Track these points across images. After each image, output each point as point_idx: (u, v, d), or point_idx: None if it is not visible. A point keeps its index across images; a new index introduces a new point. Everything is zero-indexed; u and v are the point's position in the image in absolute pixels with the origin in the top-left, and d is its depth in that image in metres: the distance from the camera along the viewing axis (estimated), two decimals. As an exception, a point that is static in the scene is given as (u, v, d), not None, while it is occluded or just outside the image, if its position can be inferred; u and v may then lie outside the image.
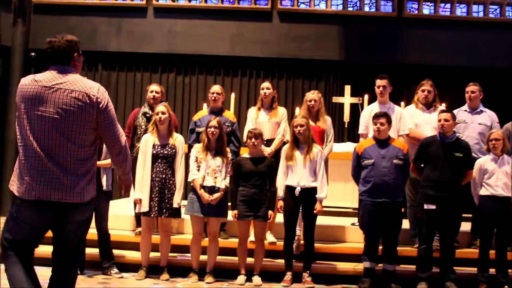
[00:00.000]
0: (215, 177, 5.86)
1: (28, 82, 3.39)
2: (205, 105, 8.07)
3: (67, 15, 10.93)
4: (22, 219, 3.37)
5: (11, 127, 10.76)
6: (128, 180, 3.68)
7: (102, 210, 5.98)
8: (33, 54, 10.70)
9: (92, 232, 5.96)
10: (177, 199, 5.91)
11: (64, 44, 3.54)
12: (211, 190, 5.83)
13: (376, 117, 5.92)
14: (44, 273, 5.88)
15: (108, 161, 5.99)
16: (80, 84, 3.43)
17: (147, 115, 6.50)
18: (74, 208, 3.39)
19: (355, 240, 6.74)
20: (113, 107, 3.57)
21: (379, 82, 6.58)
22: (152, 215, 5.86)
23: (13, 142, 10.76)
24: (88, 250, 6.09)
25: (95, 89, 3.46)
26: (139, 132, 6.46)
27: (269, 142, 6.53)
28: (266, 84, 6.72)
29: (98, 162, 5.88)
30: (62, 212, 3.37)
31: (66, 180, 3.32)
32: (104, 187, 5.96)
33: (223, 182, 5.87)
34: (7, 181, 11.01)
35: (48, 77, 3.41)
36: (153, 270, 6.01)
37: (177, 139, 6.03)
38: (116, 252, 6.23)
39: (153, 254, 6.11)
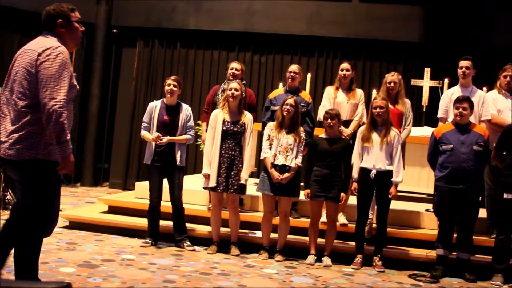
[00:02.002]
0: (286, 156, 5.86)
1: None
2: (281, 85, 8.06)
3: (148, -6, 11.17)
4: None
5: (94, 100, 11.20)
6: (63, 151, 3.40)
7: (177, 184, 6.12)
8: (115, 30, 11.02)
9: (167, 205, 6.17)
10: (244, 176, 5.95)
11: (49, 12, 3.62)
12: (282, 168, 5.84)
13: (459, 101, 5.71)
14: (121, 242, 6.08)
15: (183, 137, 6.13)
16: (38, 44, 3.50)
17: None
18: (9, 164, 3.50)
19: (429, 226, 6.59)
20: (57, 67, 3.40)
21: (462, 63, 6.36)
22: (219, 191, 5.94)
23: (96, 115, 11.20)
24: (162, 223, 6.29)
25: (44, 48, 3.45)
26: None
27: (346, 123, 6.45)
28: (345, 65, 6.62)
29: (172, 137, 6.05)
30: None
31: (4, 136, 3.48)
32: (178, 162, 6.09)
33: (294, 161, 5.86)
34: (89, 154, 11.53)
35: (29, 43, 3.61)
36: (224, 245, 6.12)
37: (247, 117, 6.06)
38: (189, 226, 6.38)
39: (225, 230, 6.20)
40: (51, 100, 3.32)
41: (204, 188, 6.09)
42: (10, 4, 10.16)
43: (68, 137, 3.40)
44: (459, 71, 6.38)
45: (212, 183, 5.91)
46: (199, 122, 7.41)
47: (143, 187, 7.27)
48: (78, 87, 3.62)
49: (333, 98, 6.54)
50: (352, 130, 6.38)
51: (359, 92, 6.66)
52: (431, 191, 7.07)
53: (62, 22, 3.58)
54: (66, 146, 3.38)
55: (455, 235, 5.77)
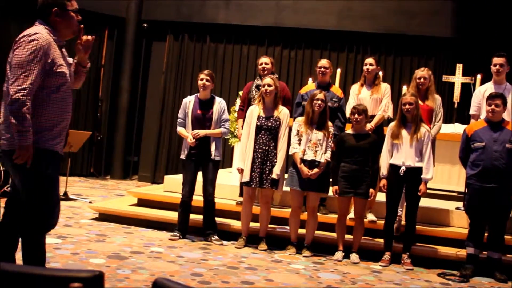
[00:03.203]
0: (316, 151, 5.84)
1: None
2: (310, 80, 8.02)
3: (178, -12, 11.23)
4: None
5: (124, 94, 11.32)
6: (20, 141, 3.24)
7: (210, 178, 6.16)
8: (145, 25, 11.11)
9: (198, 199, 6.21)
10: (276, 171, 5.95)
11: (39, 2, 3.51)
12: (311, 164, 5.83)
13: (491, 97, 5.62)
14: (150, 235, 6.13)
15: (218, 130, 6.16)
16: (24, 32, 3.40)
17: (260, 87, 6.57)
18: (3, 154, 3.45)
19: (458, 225, 6.51)
20: (27, 54, 3.27)
21: (496, 60, 6.25)
22: (253, 186, 5.96)
23: (126, 109, 11.32)
24: (192, 216, 6.34)
25: (22, 35, 3.36)
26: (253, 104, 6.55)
27: (370, 118, 6.40)
28: (369, 60, 6.57)
29: (207, 131, 6.08)
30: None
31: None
32: (213, 156, 6.12)
33: (323, 156, 5.83)
34: (119, 147, 11.64)
35: None
36: (253, 240, 6.14)
37: (282, 112, 6.06)
38: (218, 220, 6.41)
39: (253, 225, 6.22)
40: (15, 87, 3.23)
41: (241, 183, 6.10)
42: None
43: (30, 128, 3.25)
44: (493, 68, 6.27)
45: (246, 178, 5.92)
46: (230, 117, 7.43)
47: (172, 181, 7.32)
48: (68, 74, 3.48)
49: (356, 95, 6.51)
50: (375, 124, 6.32)
51: (383, 86, 6.59)
52: (462, 189, 6.97)
53: (57, 10, 3.46)
54: (24, 136, 3.24)
55: (486, 234, 5.69)
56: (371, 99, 6.48)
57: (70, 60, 3.65)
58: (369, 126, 6.29)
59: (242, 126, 6.37)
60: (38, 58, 3.29)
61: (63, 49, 3.57)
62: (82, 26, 3.71)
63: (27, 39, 3.31)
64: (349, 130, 6.00)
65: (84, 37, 3.63)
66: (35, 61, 3.28)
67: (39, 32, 3.36)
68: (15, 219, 3.51)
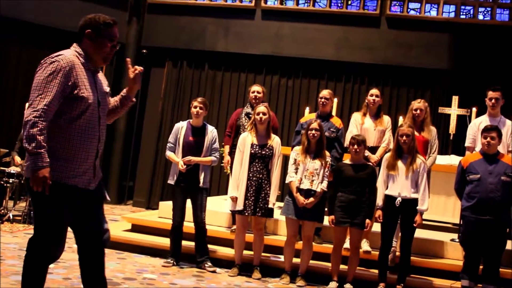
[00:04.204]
0: (312, 180, 5.84)
1: None
2: (307, 109, 8.07)
3: (178, 15, 11.39)
4: None
5: (121, 119, 11.33)
6: (31, 164, 3.09)
7: (200, 203, 6.15)
8: (144, 51, 11.20)
9: (189, 226, 6.19)
10: (272, 200, 5.95)
11: (84, 20, 3.43)
12: (307, 193, 5.82)
13: (487, 130, 5.64)
14: (143, 261, 6.09)
15: (208, 158, 6.17)
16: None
17: (250, 115, 6.59)
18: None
19: (453, 256, 6.48)
20: (45, 76, 3.15)
21: (491, 94, 6.29)
22: (246, 214, 5.94)
23: (123, 133, 11.35)
24: (184, 243, 6.30)
25: (46, 57, 3.25)
26: (241, 132, 6.57)
27: (373, 150, 6.43)
28: (375, 91, 6.61)
29: (196, 159, 6.10)
30: None
31: None
32: (201, 184, 6.12)
33: (319, 185, 5.84)
34: (114, 171, 11.57)
35: None
36: (246, 268, 6.09)
37: (275, 140, 6.08)
38: (211, 247, 6.37)
39: (246, 252, 6.19)
40: (29, 110, 3.08)
41: (231, 211, 6.10)
42: (48, 23, 10.44)
43: (41, 150, 3.06)
44: (488, 102, 6.31)
45: (240, 206, 5.91)
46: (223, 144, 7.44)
47: (166, 207, 7.30)
48: (93, 100, 3.30)
49: (360, 124, 6.53)
50: (379, 156, 6.35)
51: (386, 119, 6.64)
52: (457, 221, 6.96)
53: (90, 33, 3.35)
54: (35, 159, 3.06)
55: (481, 267, 5.66)
56: (376, 130, 6.51)
57: (107, 88, 3.52)
58: (375, 158, 6.31)
59: (229, 153, 6.40)
60: (57, 80, 3.15)
61: (99, 75, 3.47)
62: (128, 59, 3.69)
63: (48, 60, 3.20)
64: (347, 160, 6.01)
65: (132, 68, 3.55)
66: (53, 83, 3.14)
67: (63, 54, 3.25)
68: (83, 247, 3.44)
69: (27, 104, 3.69)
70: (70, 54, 3.28)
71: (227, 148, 6.74)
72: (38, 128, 3.06)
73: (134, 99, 3.68)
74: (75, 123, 3.24)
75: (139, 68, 3.57)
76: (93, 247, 3.46)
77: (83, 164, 3.29)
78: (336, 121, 6.67)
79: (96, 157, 3.40)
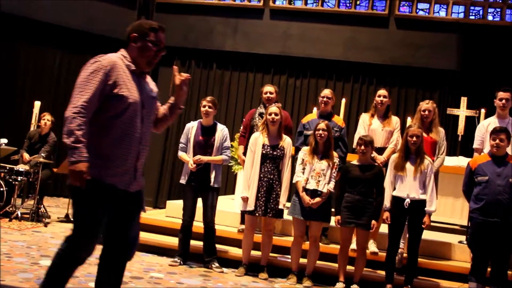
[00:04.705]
0: (318, 181, 5.84)
1: None
2: (315, 109, 8.06)
3: (186, 14, 11.41)
4: None
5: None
6: (71, 158, 3.09)
7: (210, 204, 6.15)
8: (153, 50, 11.19)
9: (198, 225, 6.19)
10: (282, 200, 5.95)
11: (131, 25, 3.49)
12: (313, 193, 5.82)
13: (496, 132, 5.61)
14: (149, 260, 6.10)
15: (219, 157, 6.17)
16: None
17: (263, 115, 6.59)
18: None
19: (461, 258, 6.47)
20: (87, 75, 3.20)
21: (502, 94, 6.25)
22: (257, 214, 5.94)
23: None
24: (193, 243, 6.30)
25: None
26: (255, 132, 6.56)
27: (380, 151, 6.42)
28: (383, 92, 6.60)
29: (207, 158, 6.09)
30: None
31: None
32: (212, 183, 6.12)
33: (326, 186, 5.83)
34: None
35: None
36: (253, 268, 6.09)
37: (286, 141, 6.07)
38: (218, 247, 6.38)
39: (254, 253, 6.19)
40: (70, 105, 3.13)
41: (242, 211, 6.10)
42: (57, 22, 10.51)
43: (79, 145, 3.08)
44: (498, 102, 6.27)
45: (250, 206, 5.91)
46: (233, 143, 7.44)
47: (174, 206, 7.31)
48: (135, 101, 3.32)
49: (368, 125, 6.52)
50: (386, 157, 6.33)
51: (395, 120, 6.63)
52: (465, 222, 6.94)
53: (135, 37, 3.42)
54: (73, 153, 3.08)
55: (489, 269, 5.64)
56: (384, 131, 6.50)
57: (154, 93, 3.55)
58: (382, 158, 6.30)
59: (244, 153, 6.39)
60: (97, 78, 3.20)
61: (146, 79, 3.52)
62: (175, 67, 3.69)
63: (91, 61, 3.26)
64: (354, 160, 5.99)
65: (178, 75, 3.57)
66: (93, 81, 3.19)
67: (105, 55, 3.31)
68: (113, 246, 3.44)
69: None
70: (114, 56, 3.34)
71: (241, 149, 6.73)
72: (77, 123, 3.09)
73: (182, 106, 3.69)
74: (115, 121, 3.26)
75: (185, 75, 3.60)
76: (117, 256, 3.46)
77: (123, 164, 3.30)
78: (339, 120, 6.66)
79: (137, 159, 3.39)
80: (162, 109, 3.68)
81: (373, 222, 5.74)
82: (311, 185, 5.83)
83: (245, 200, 5.95)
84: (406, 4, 10.81)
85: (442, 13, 10.68)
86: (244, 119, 7.02)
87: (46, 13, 10.51)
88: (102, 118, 3.25)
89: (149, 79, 3.57)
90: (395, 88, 10.59)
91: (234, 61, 11.27)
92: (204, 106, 6.25)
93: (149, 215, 7.74)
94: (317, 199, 5.77)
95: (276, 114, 6.00)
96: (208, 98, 6.35)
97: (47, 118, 8.45)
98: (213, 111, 6.28)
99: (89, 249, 3.31)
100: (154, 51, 3.47)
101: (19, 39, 10.60)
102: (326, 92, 6.66)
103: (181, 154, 6.30)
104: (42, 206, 8.05)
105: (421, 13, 10.74)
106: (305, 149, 6.02)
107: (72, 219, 3.30)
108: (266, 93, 6.72)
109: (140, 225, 7.40)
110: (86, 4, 10.65)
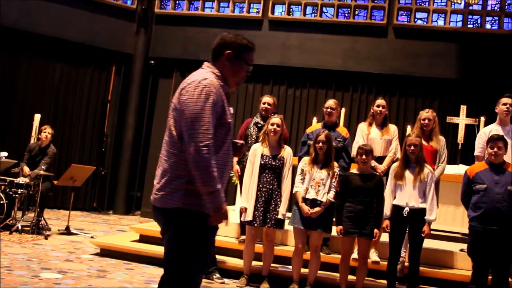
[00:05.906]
0: (318, 190, 5.83)
1: None
2: (315, 119, 8.07)
3: (185, 26, 11.45)
4: None
5: (129, 130, 11.40)
6: (211, 202, 2.88)
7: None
8: (152, 62, 11.25)
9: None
10: (282, 210, 5.94)
11: (223, 39, 3.18)
12: (313, 203, 5.81)
13: (494, 140, 5.61)
14: (151, 271, 6.12)
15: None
16: (190, 77, 3.09)
17: (259, 125, 6.60)
18: (159, 212, 3.05)
19: (463, 267, 6.44)
20: (200, 104, 2.91)
21: (506, 99, 6.24)
22: (256, 225, 5.93)
23: (131, 144, 11.41)
24: (193, 253, 6.27)
25: (190, 81, 3.04)
26: (250, 142, 6.57)
27: (380, 159, 6.42)
28: (382, 101, 6.62)
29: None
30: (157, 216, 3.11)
31: (156, 180, 3.06)
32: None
33: (325, 195, 5.82)
34: (123, 182, 11.64)
35: None
36: (254, 279, 6.07)
37: (286, 151, 6.07)
38: (219, 257, 6.37)
39: (255, 263, 6.17)
40: (194, 143, 2.84)
41: (242, 222, 6.08)
42: (57, 34, 10.57)
43: (219, 185, 2.87)
44: (502, 107, 6.26)
45: (249, 217, 5.90)
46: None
47: (174, 217, 7.28)
48: (231, 124, 3.07)
49: (366, 134, 6.53)
50: (386, 166, 6.34)
51: (393, 128, 6.64)
52: (466, 231, 6.90)
53: (230, 54, 3.13)
54: (214, 196, 2.86)
55: (490, 277, 5.63)
56: (382, 139, 6.51)
57: (232, 110, 3.21)
58: (382, 167, 6.30)
59: (237, 162, 6.44)
60: (212, 108, 2.92)
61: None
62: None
63: (197, 86, 2.97)
64: (354, 169, 5.99)
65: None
66: (209, 112, 2.90)
67: (208, 78, 3.02)
68: None
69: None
70: (211, 76, 3.07)
71: (235, 159, 6.74)
72: (213, 166, 2.86)
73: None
74: (220, 151, 3.02)
75: (240, 142, 3.34)
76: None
77: (222, 192, 2.98)
78: (343, 130, 6.66)
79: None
80: None
81: (375, 231, 5.73)
82: (311, 195, 5.82)
83: (243, 210, 5.95)
84: (404, 14, 10.85)
85: (440, 22, 10.72)
86: (240, 129, 7.03)
87: (46, 26, 10.56)
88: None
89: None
90: (394, 97, 10.61)
91: (233, 72, 11.28)
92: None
93: (150, 226, 7.73)
94: (317, 209, 5.76)
95: (278, 125, 6.01)
96: None
97: (48, 131, 8.47)
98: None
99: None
100: (245, 71, 3.23)
101: (20, 52, 10.65)
102: (330, 102, 6.65)
103: None
104: (42, 218, 8.04)
105: (419, 22, 10.78)
106: (305, 159, 6.02)
107: (179, 262, 3.02)
108: (264, 103, 6.73)
109: (141, 236, 7.42)
110: (86, 17, 10.70)
